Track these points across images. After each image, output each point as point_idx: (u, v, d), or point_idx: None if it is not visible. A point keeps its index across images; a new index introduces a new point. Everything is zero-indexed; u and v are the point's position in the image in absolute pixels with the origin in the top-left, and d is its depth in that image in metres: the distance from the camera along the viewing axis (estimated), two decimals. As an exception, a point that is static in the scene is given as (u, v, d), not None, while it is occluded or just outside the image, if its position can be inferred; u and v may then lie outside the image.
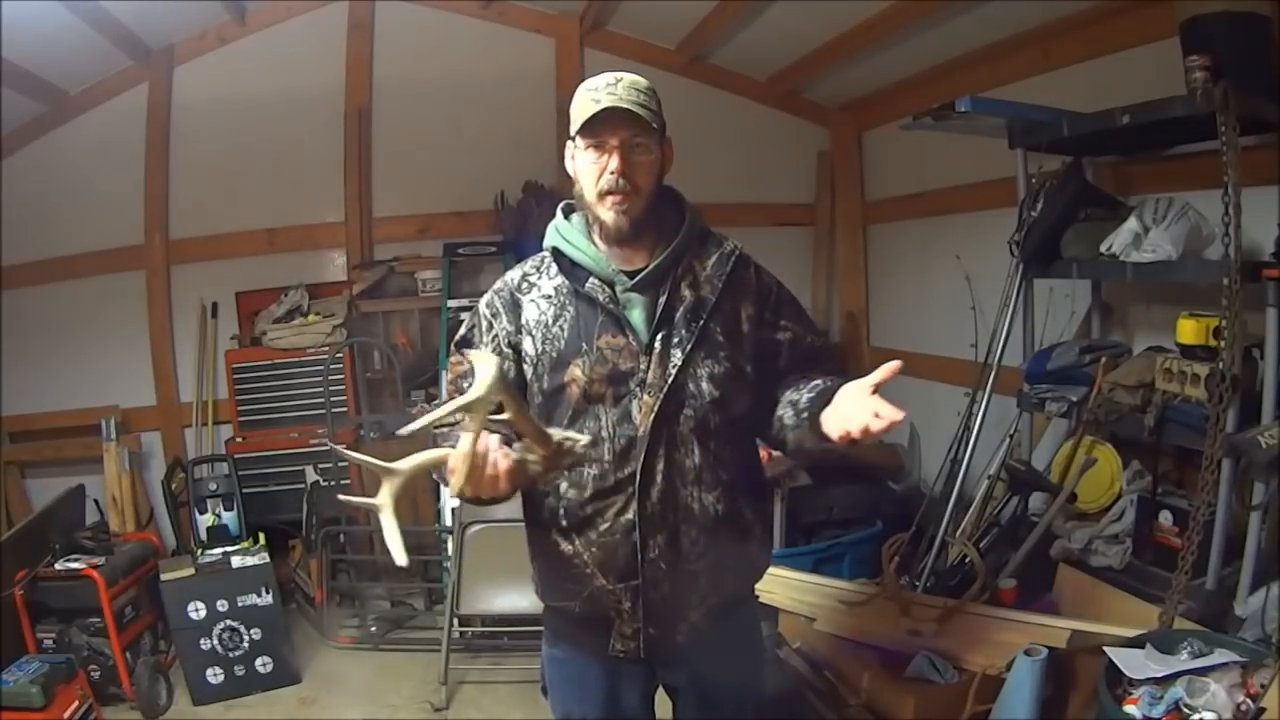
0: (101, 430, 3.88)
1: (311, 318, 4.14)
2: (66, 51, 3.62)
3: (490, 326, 1.55)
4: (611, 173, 1.45)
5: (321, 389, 3.88)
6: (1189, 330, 2.30)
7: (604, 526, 1.48)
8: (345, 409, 4.08)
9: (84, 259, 4.15)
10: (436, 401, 1.56)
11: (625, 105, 1.43)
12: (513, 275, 1.59)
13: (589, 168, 1.47)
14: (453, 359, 1.58)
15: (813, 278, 4.78)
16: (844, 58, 3.81)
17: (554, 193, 4.25)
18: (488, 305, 1.57)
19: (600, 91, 1.45)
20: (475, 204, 4.30)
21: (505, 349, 1.53)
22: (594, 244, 1.53)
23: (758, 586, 1.74)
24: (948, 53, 3.57)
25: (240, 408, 4.12)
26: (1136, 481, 2.63)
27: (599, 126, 1.44)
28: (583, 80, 1.51)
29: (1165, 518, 2.40)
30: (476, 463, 1.24)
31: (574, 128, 1.47)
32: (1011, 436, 2.97)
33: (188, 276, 4.26)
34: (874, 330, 4.68)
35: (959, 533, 2.83)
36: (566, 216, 1.59)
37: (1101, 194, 2.75)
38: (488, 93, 4.30)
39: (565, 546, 1.52)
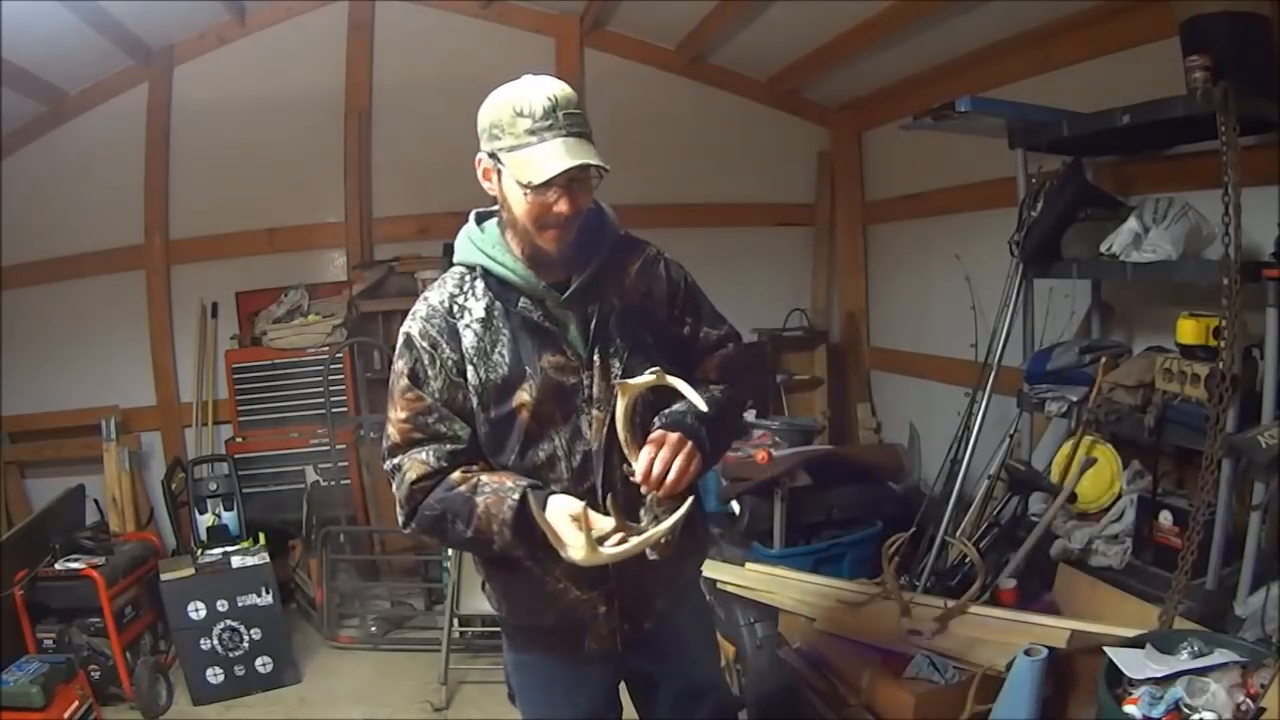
0: (101, 430, 3.89)
1: (311, 318, 4.14)
2: (66, 51, 3.62)
3: (434, 358, 1.45)
4: (560, 213, 1.37)
5: (321, 389, 3.88)
6: (1189, 330, 2.30)
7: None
8: (345, 409, 4.08)
9: (84, 259, 4.15)
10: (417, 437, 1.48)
11: (585, 159, 1.33)
12: (438, 298, 1.49)
13: (528, 204, 1.38)
14: (408, 394, 1.46)
15: (813, 278, 4.78)
16: (844, 58, 3.82)
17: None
18: (422, 335, 1.46)
19: (539, 123, 1.33)
20: (475, 204, 4.28)
21: (456, 378, 1.46)
22: (519, 260, 1.47)
23: (756, 584, 1.76)
24: (948, 53, 3.57)
25: (240, 408, 4.12)
26: (1136, 481, 2.62)
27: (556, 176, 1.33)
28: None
29: (1165, 518, 2.40)
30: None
31: (520, 175, 1.35)
32: (1011, 436, 2.97)
33: (188, 276, 4.26)
34: (874, 330, 4.68)
35: (959, 533, 2.83)
36: (479, 224, 1.53)
37: (1101, 194, 2.75)
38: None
39: (535, 569, 1.51)
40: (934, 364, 4.04)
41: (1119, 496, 2.65)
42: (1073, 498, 2.69)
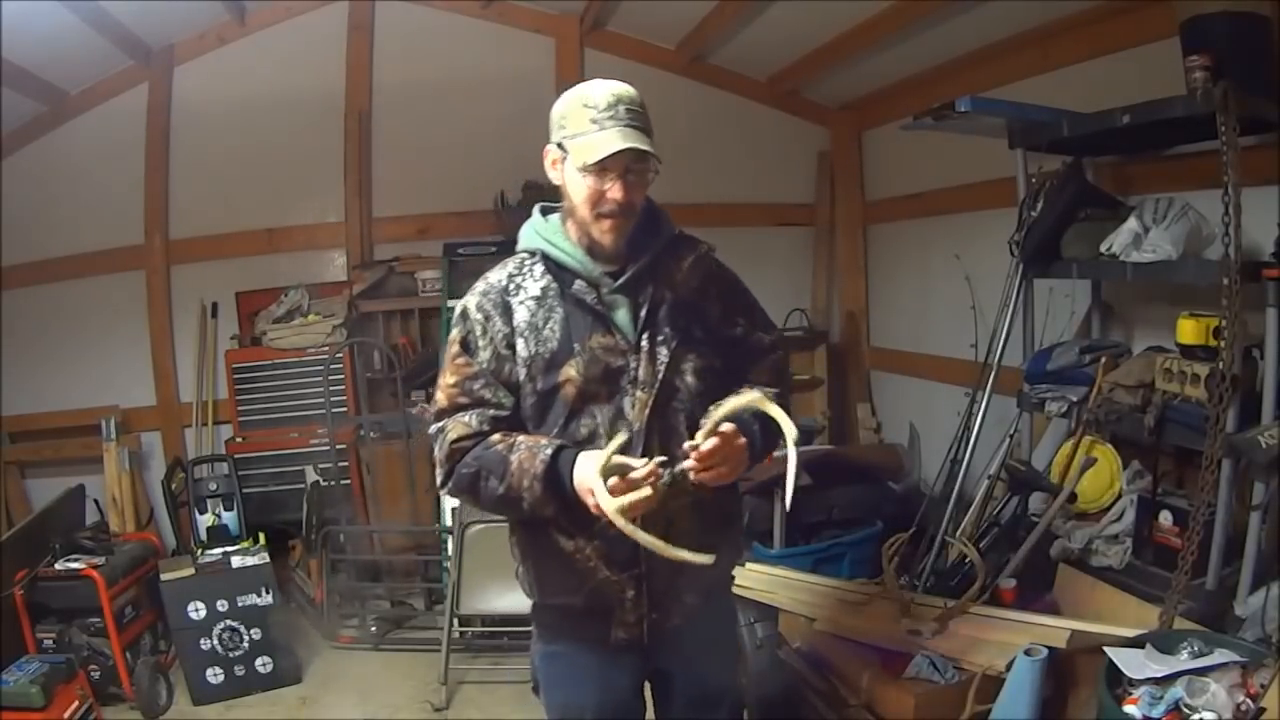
0: (101, 430, 3.89)
1: (311, 318, 4.14)
2: (66, 51, 3.62)
3: (485, 330, 1.54)
4: (613, 199, 1.48)
5: (321, 389, 3.88)
6: (1189, 330, 2.30)
7: (606, 520, 1.49)
8: (345, 409, 4.08)
9: (84, 259, 4.16)
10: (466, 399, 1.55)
11: (638, 145, 1.44)
12: (497, 277, 1.59)
13: (586, 190, 1.48)
14: (458, 360, 1.55)
15: (813, 278, 4.78)
16: (844, 58, 3.82)
17: (554, 193, 4.24)
18: (478, 308, 1.56)
19: (601, 114, 1.46)
20: (475, 204, 4.30)
21: (504, 351, 1.54)
22: (577, 246, 1.56)
23: (756, 584, 1.78)
24: (948, 53, 3.57)
25: (240, 408, 4.12)
26: (1136, 481, 2.62)
27: (609, 160, 1.45)
28: (579, 81, 1.53)
29: (1165, 518, 2.40)
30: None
31: (578, 159, 1.46)
32: (1011, 436, 2.97)
33: (188, 276, 4.26)
34: (874, 330, 4.68)
35: (959, 533, 2.83)
36: (544, 215, 1.63)
37: (1101, 194, 2.75)
38: (488, 93, 4.30)
39: (566, 543, 1.55)
40: (934, 364, 4.04)
41: (1119, 496, 2.65)
42: (1073, 498, 2.69)
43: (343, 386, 4.11)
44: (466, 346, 1.55)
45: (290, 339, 4.08)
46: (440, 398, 1.56)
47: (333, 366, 3.98)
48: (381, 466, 4.05)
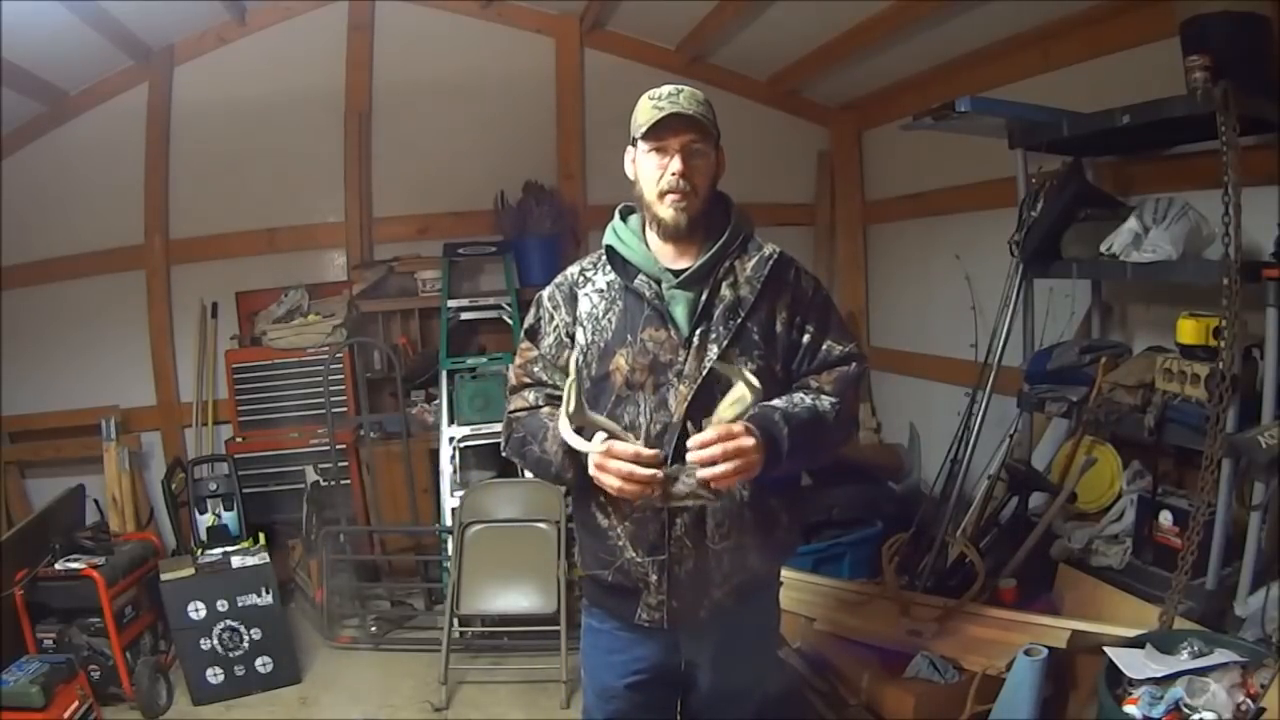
0: (101, 430, 3.88)
1: (311, 318, 4.14)
2: (66, 51, 3.62)
3: (552, 318, 1.68)
4: (674, 174, 1.56)
5: (321, 389, 3.88)
6: (1189, 330, 2.30)
7: (637, 504, 1.56)
8: (345, 409, 4.08)
9: (84, 259, 4.15)
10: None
11: (688, 112, 1.54)
12: (573, 270, 1.71)
13: (651, 169, 1.58)
14: (523, 345, 1.71)
15: (813, 278, 4.77)
16: (844, 58, 3.81)
17: (554, 193, 4.25)
18: (549, 298, 1.70)
19: (664, 100, 1.56)
20: (475, 204, 4.30)
21: (565, 339, 1.66)
22: (645, 244, 1.65)
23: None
24: (948, 53, 3.57)
25: (240, 408, 4.12)
26: (1136, 481, 2.63)
27: (662, 131, 1.55)
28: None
29: (1165, 518, 2.40)
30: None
31: (637, 132, 1.57)
32: (1011, 436, 2.97)
33: (188, 276, 4.25)
34: (874, 330, 4.68)
35: (959, 533, 2.83)
36: (623, 219, 1.71)
37: (1101, 194, 2.75)
38: (488, 93, 4.30)
39: (602, 520, 1.63)
40: (934, 364, 4.04)
41: (1119, 496, 2.66)
42: (1073, 498, 2.69)
43: (343, 386, 4.10)
44: (532, 333, 1.71)
45: (290, 339, 4.08)
46: (510, 375, 1.75)
47: (333, 366, 3.98)
48: (381, 466, 4.05)
